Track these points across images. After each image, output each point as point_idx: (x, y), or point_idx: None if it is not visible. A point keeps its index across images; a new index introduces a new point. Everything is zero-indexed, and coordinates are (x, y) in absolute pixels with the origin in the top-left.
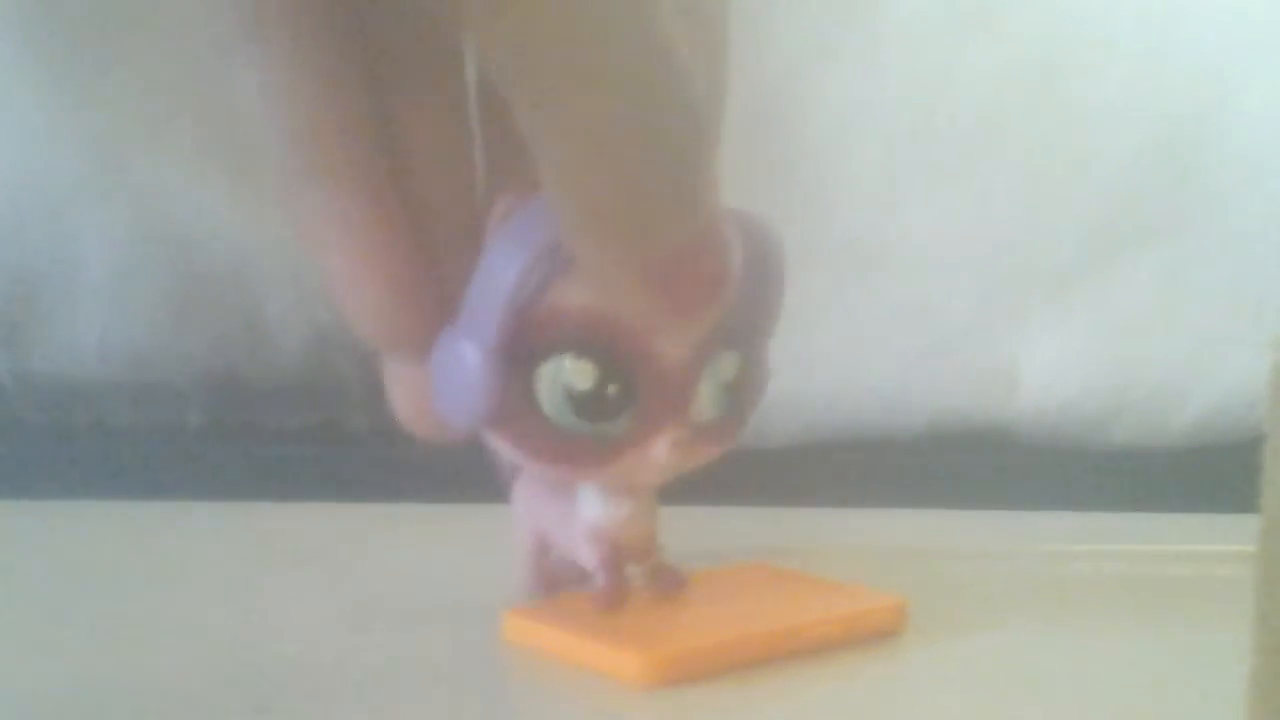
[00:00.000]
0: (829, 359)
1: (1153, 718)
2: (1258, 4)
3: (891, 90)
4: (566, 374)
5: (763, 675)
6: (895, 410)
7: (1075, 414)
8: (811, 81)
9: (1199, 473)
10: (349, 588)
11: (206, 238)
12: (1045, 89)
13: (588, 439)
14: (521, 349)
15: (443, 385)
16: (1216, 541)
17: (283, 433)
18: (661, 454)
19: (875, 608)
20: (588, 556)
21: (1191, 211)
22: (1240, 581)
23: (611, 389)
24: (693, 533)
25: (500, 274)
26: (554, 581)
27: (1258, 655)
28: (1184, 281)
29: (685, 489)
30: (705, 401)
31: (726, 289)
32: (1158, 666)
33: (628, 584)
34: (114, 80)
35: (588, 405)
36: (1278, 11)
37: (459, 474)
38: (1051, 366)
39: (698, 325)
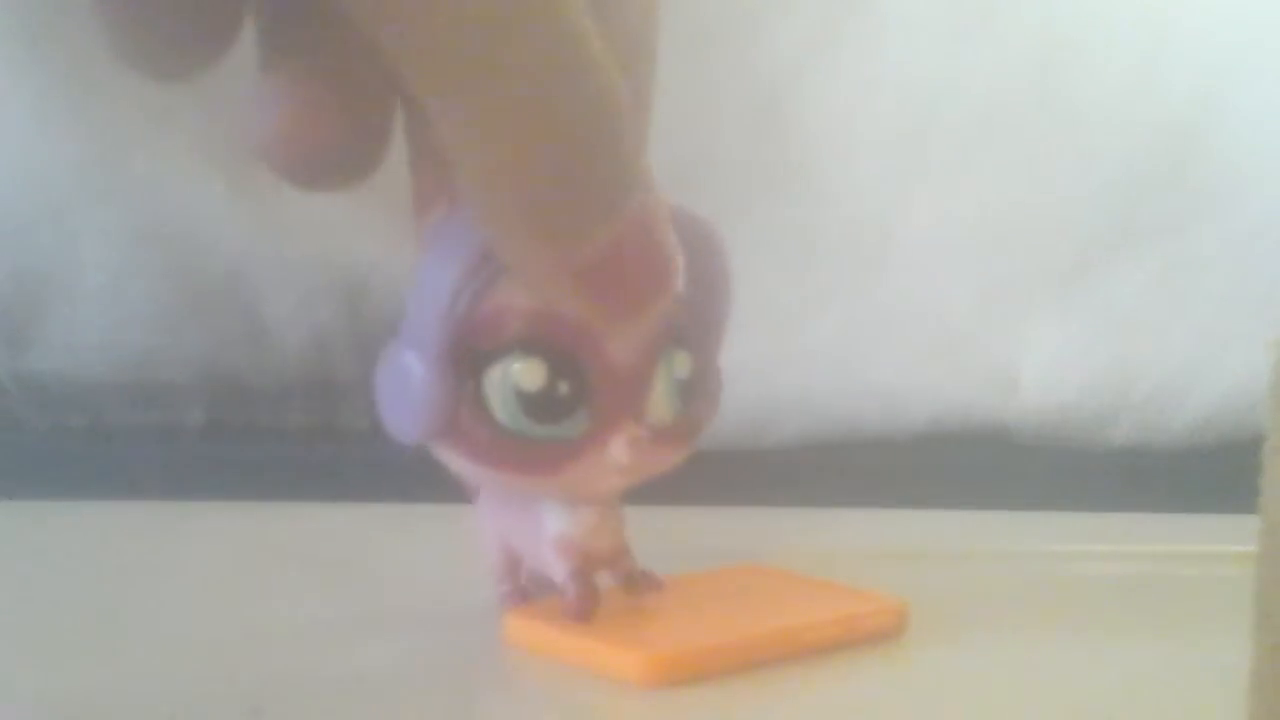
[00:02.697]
0: (828, 359)
1: (1153, 718)
2: (1257, 4)
3: (891, 90)
4: (515, 375)
5: (763, 676)
6: (895, 410)
7: (1075, 414)
8: (811, 81)
9: (1199, 473)
10: (348, 588)
11: (206, 238)
12: (1045, 89)
13: (543, 443)
14: (467, 355)
15: (390, 400)
16: (1216, 542)
17: (282, 433)
18: (619, 454)
19: (876, 609)
20: (557, 569)
21: (1191, 211)
22: (1240, 581)
23: (563, 387)
24: (693, 533)
25: (438, 280)
26: (527, 594)
27: (1258, 655)
28: (1184, 281)
29: (686, 489)
30: (661, 400)
31: (668, 282)
32: (1158, 667)
33: (599, 594)
34: (114, 81)
35: (539, 405)
36: (1276, 12)
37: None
38: (1051, 367)
39: (644, 322)
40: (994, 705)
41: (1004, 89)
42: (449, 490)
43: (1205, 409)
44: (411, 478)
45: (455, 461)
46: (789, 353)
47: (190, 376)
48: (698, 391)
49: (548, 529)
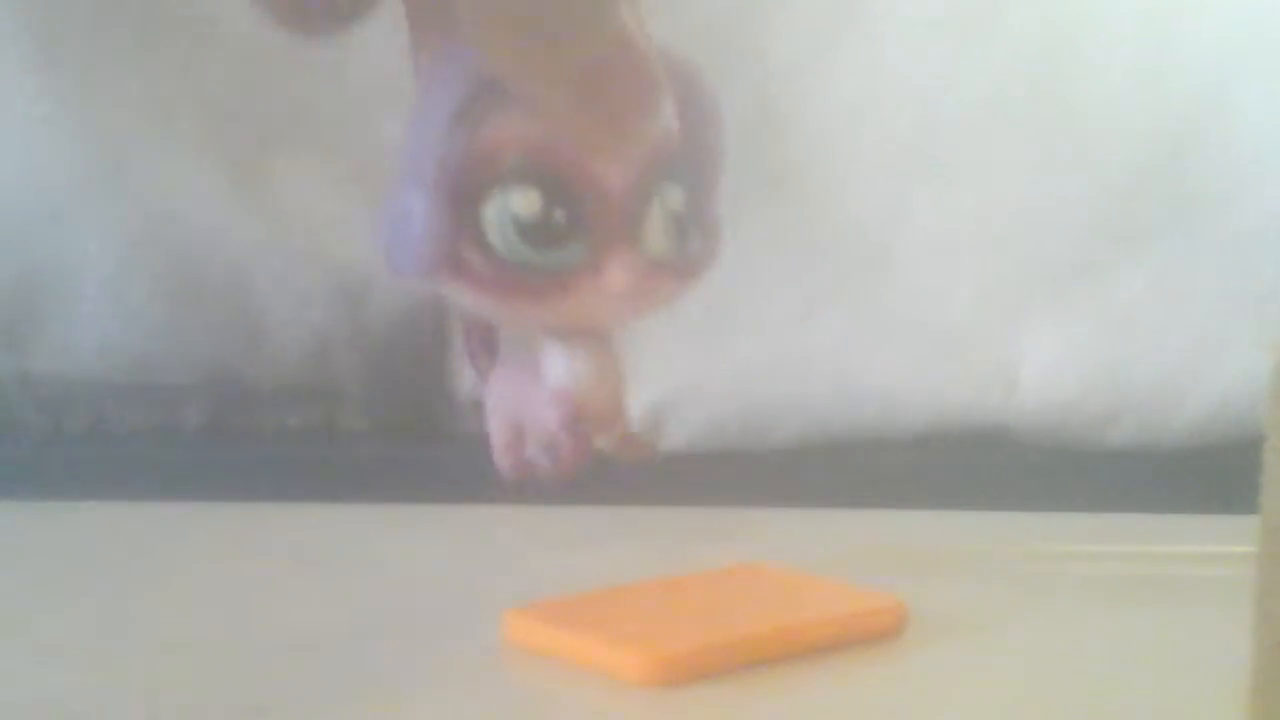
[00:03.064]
0: (829, 360)
1: (1153, 717)
2: (1257, 5)
3: (891, 91)
4: (512, 203)
5: (763, 675)
6: (896, 411)
7: (1075, 414)
8: (813, 80)
9: (1198, 473)
10: (348, 587)
11: (206, 241)
12: (1045, 90)
13: (542, 270)
14: (465, 187)
15: (392, 239)
16: (1216, 542)
17: (282, 433)
18: (615, 278)
19: (874, 608)
20: (552, 419)
21: (1191, 212)
22: (1240, 581)
23: (558, 213)
24: (694, 533)
25: (433, 119)
26: (529, 468)
27: (1258, 655)
28: (1183, 282)
29: (688, 489)
30: (655, 230)
31: (655, 101)
32: (1157, 666)
33: (592, 448)
34: (114, 83)
35: (536, 231)
36: (1276, 12)
37: (459, 474)
38: (1051, 367)
39: (635, 139)
40: (993, 705)
41: (1004, 90)
42: (448, 491)
43: (1204, 409)
44: (410, 478)
45: (461, 298)
46: (790, 354)
47: (190, 378)
48: (694, 227)
49: (547, 383)
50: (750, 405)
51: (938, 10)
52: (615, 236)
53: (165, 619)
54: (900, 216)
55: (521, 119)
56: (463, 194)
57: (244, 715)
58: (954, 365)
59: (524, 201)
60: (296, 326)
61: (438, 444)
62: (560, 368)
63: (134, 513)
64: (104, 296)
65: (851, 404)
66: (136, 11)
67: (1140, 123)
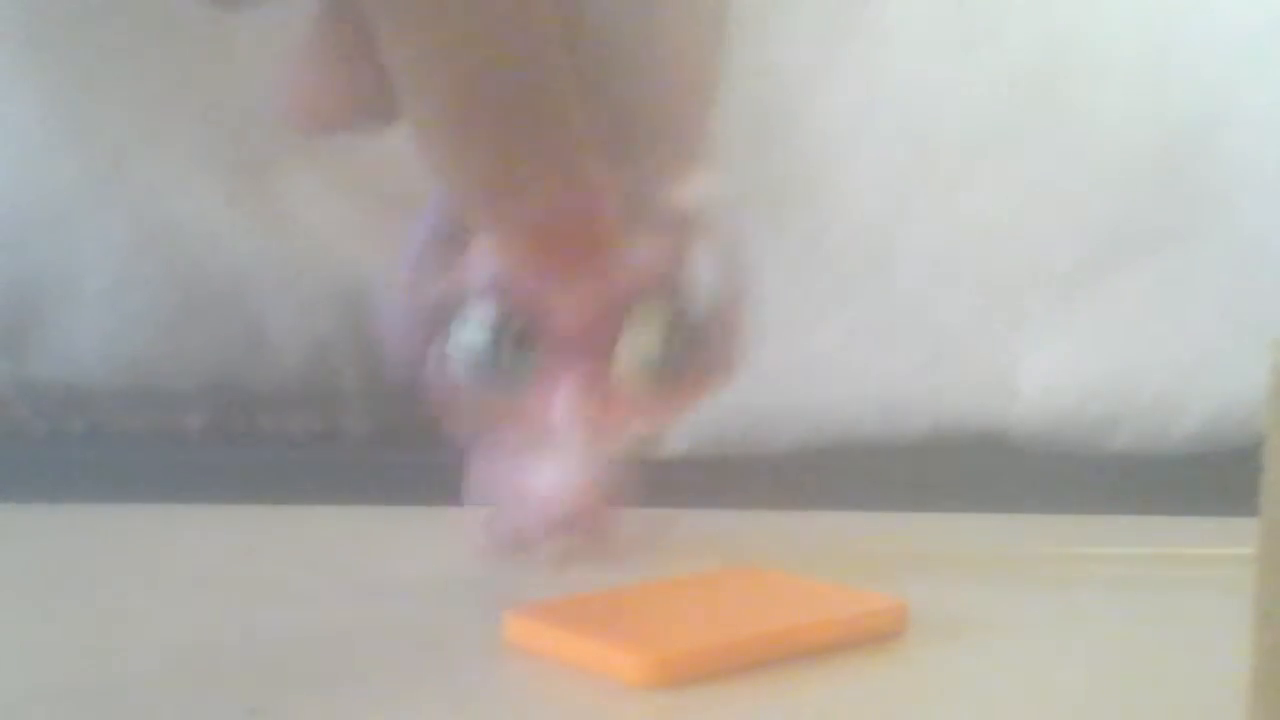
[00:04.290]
0: (831, 364)
1: (1152, 718)
2: (1259, 12)
3: (895, 98)
4: (467, 330)
5: (763, 677)
6: (897, 416)
7: (1076, 420)
8: (815, 89)
9: (1200, 476)
10: (348, 590)
11: (207, 245)
12: (1047, 97)
13: (501, 391)
14: (431, 310)
15: (385, 325)
16: (1217, 544)
17: (283, 437)
18: (565, 408)
19: (876, 610)
20: (535, 525)
21: (1193, 219)
22: (1240, 584)
23: (508, 343)
24: (696, 536)
25: (410, 245)
26: (505, 547)
27: (1258, 656)
28: (1185, 289)
29: (689, 492)
30: (630, 352)
31: (603, 249)
32: (1158, 668)
33: (571, 553)
34: (114, 87)
35: (490, 363)
36: (1278, 19)
37: (459, 477)
38: (1053, 373)
39: (586, 281)
40: (994, 706)
41: (1007, 97)
42: (448, 494)
43: (1206, 417)
44: (412, 481)
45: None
46: (791, 359)
47: (191, 382)
48: (691, 338)
49: (531, 486)
50: (753, 410)
51: (942, 18)
52: (570, 362)
53: (164, 620)
54: (902, 222)
55: (481, 252)
56: (429, 316)
57: (242, 715)
58: (955, 371)
59: (476, 329)
60: (298, 331)
61: (439, 447)
62: (544, 476)
63: (134, 516)
64: (105, 302)
65: (853, 409)
66: (135, 14)
67: (1143, 129)
